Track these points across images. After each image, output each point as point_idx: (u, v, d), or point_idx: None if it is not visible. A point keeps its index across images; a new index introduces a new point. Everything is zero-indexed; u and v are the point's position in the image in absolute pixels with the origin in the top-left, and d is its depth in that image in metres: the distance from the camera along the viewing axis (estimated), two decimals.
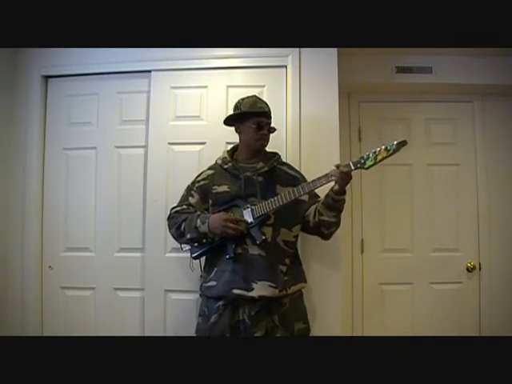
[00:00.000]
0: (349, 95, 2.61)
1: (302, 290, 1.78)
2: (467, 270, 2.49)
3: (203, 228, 1.66)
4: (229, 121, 1.82)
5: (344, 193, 1.64)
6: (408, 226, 2.55)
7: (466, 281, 2.50)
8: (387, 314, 2.50)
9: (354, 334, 2.49)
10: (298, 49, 2.12)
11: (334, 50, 2.12)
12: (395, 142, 1.54)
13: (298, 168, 1.96)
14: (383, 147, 1.55)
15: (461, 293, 2.49)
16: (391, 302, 2.51)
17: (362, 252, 2.56)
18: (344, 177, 1.58)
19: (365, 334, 2.49)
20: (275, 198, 1.65)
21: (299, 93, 2.11)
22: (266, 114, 1.76)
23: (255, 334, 1.61)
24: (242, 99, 1.78)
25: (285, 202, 1.63)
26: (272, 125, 1.79)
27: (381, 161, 1.55)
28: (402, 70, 2.48)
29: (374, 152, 1.56)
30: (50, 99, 2.33)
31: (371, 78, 2.48)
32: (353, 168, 1.57)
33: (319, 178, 1.62)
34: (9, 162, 2.28)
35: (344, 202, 1.67)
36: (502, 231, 2.51)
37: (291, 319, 1.67)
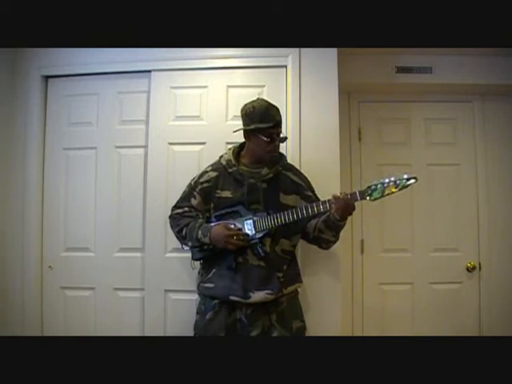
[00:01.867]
0: (349, 95, 2.61)
1: (298, 290, 1.79)
2: (467, 270, 2.49)
3: (204, 240, 1.67)
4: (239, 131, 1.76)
5: (346, 218, 1.62)
6: (408, 226, 2.55)
7: (466, 281, 2.50)
8: (387, 314, 2.50)
9: (354, 334, 2.49)
10: (297, 49, 2.12)
11: (334, 50, 2.11)
12: (405, 177, 1.50)
13: (298, 167, 1.96)
14: (392, 181, 1.51)
15: (461, 293, 2.49)
16: (391, 302, 2.51)
17: (362, 252, 2.56)
18: (347, 207, 1.55)
19: (365, 334, 2.49)
20: (278, 215, 1.63)
21: (299, 93, 2.11)
22: (278, 124, 1.70)
23: (252, 333, 1.62)
24: (253, 107, 1.68)
25: (287, 221, 1.62)
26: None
27: (388, 195, 1.53)
28: (402, 69, 2.48)
29: (383, 184, 1.53)
30: (49, 99, 2.33)
31: (371, 78, 2.48)
32: (359, 198, 1.54)
33: (323, 203, 1.60)
34: (9, 162, 2.28)
35: (345, 224, 1.66)
36: (501, 231, 2.51)
37: (289, 317, 1.68)
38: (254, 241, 1.65)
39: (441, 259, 2.51)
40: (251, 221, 1.66)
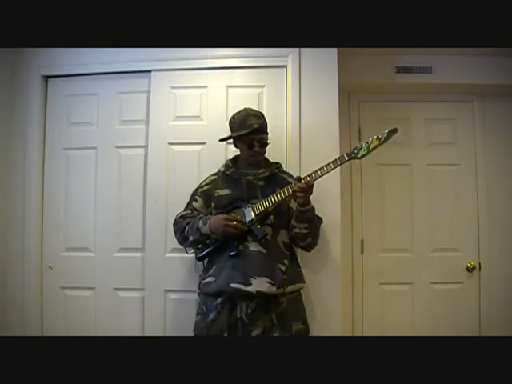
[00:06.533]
0: (349, 95, 2.61)
1: (301, 292, 1.79)
2: (467, 270, 2.49)
3: (205, 229, 1.68)
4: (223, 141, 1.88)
5: (308, 203, 1.66)
6: (408, 226, 2.55)
7: (466, 281, 2.50)
8: (387, 314, 2.50)
9: (354, 334, 2.49)
10: (297, 49, 2.12)
11: (334, 50, 2.11)
12: (386, 131, 1.60)
13: (298, 167, 1.98)
14: (375, 137, 1.61)
15: (461, 293, 2.49)
16: (391, 302, 2.51)
17: (362, 252, 2.56)
18: (299, 193, 1.60)
19: (365, 334, 2.49)
20: (273, 194, 1.67)
21: (299, 93, 2.11)
22: (256, 131, 1.75)
23: (253, 333, 1.61)
24: (233, 116, 1.81)
25: (283, 196, 1.65)
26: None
27: (373, 149, 1.61)
28: (401, 69, 2.48)
29: (367, 142, 1.62)
30: (49, 99, 2.33)
31: (371, 78, 2.48)
32: (346, 159, 1.63)
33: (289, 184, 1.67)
34: (9, 162, 2.28)
35: (313, 211, 1.69)
36: (502, 231, 2.51)
37: (289, 319, 1.67)
38: (253, 222, 1.66)
39: (441, 259, 2.51)
40: (250, 208, 1.70)
